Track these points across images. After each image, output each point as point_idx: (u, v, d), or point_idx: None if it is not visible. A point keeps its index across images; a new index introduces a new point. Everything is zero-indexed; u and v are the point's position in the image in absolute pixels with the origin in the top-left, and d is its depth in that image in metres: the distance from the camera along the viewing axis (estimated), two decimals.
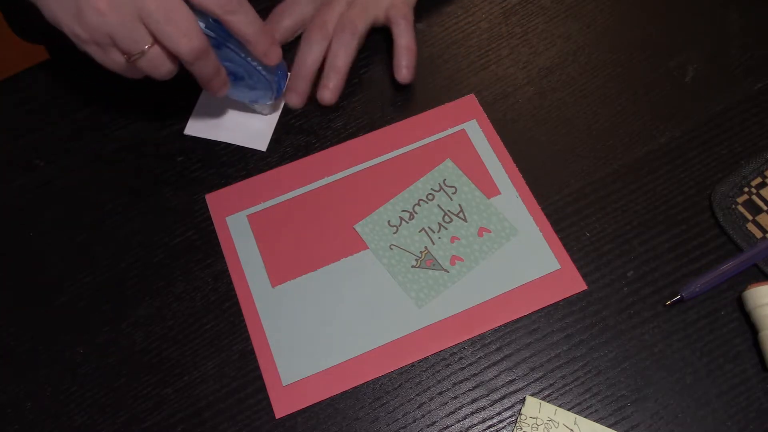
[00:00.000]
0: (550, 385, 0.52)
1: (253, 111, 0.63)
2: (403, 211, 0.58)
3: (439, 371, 0.53)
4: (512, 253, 0.56)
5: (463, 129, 0.61)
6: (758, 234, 0.55)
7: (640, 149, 0.60)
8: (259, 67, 0.57)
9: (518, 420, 0.51)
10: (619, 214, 0.57)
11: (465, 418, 0.52)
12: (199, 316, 0.56)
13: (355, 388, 0.53)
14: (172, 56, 0.51)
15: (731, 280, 0.54)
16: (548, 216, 0.58)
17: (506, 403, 0.52)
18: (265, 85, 0.59)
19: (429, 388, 0.53)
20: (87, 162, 0.62)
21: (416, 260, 0.56)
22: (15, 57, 0.93)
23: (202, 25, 0.51)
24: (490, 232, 0.57)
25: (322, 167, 0.61)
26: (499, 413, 0.52)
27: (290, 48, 0.63)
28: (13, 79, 0.67)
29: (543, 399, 0.52)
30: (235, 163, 0.61)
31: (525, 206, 0.58)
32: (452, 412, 0.52)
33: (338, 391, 0.53)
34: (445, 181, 0.59)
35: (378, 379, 0.53)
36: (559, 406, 0.51)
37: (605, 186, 0.59)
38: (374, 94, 0.64)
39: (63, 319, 0.56)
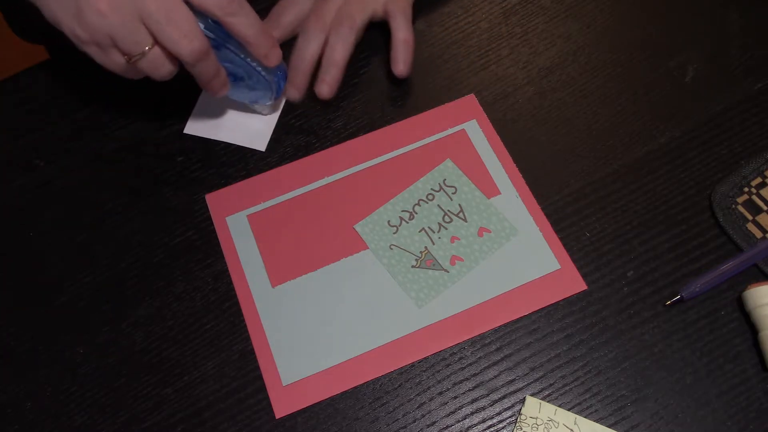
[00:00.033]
0: (550, 385, 0.52)
1: (253, 111, 0.63)
2: (403, 211, 0.58)
3: (439, 371, 0.53)
4: (512, 253, 0.56)
5: (463, 129, 0.61)
6: (758, 234, 0.55)
7: (640, 149, 0.60)
8: (259, 68, 0.57)
9: (518, 420, 0.51)
10: (619, 214, 0.57)
11: (465, 418, 0.52)
12: (199, 316, 0.56)
13: (355, 388, 0.53)
14: (173, 57, 0.51)
15: (731, 280, 0.54)
16: (548, 216, 0.58)
17: (506, 403, 0.52)
18: (265, 86, 0.59)
19: (429, 388, 0.53)
20: (87, 162, 0.62)
21: (416, 260, 0.56)
22: (15, 57, 0.93)
23: (201, 26, 0.51)
24: (490, 232, 0.57)
25: (322, 167, 0.61)
26: (499, 413, 0.52)
27: (289, 44, 0.63)
28: (13, 79, 0.67)
29: (543, 399, 0.52)
30: (235, 163, 0.61)
31: (525, 206, 0.58)
32: (452, 412, 0.52)
33: (338, 391, 0.53)
34: (445, 181, 0.59)
35: (378, 379, 0.53)
36: (559, 406, 0.51)
37: (605, 186, 0.59)
38: (374, 94, 0.64)
39: (63, 319, 0.56)
